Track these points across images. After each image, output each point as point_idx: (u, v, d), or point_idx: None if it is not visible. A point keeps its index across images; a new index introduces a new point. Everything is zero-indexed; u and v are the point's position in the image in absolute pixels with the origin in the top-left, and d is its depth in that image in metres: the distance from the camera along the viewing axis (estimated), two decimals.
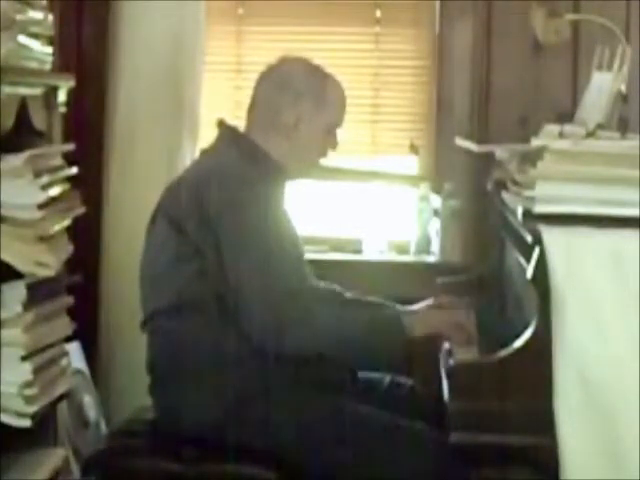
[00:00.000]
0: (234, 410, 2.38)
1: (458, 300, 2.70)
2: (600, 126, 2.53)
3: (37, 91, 2.33)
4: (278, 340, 2.33)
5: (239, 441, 2.38)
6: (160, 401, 2.50)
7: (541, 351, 2.18)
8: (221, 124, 2.62)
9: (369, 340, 2.41)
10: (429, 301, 2.63)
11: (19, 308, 2.16)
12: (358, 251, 3.76)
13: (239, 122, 2.62)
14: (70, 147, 2.41)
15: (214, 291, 2.39)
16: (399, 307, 2.58)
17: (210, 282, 2.39)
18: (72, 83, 2.48)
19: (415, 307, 2.59)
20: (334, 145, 2.62)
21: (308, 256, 3.50)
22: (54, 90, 2.40)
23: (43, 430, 2.34)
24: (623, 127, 2.50)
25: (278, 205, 2.52)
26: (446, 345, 2.47)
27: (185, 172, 2.61)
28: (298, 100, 2.55)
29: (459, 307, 2.65)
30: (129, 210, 3.33)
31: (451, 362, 2.30)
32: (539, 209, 2.32)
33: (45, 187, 2.17)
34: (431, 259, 3.69)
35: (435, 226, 3.68)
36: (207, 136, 2.68)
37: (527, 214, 2.36)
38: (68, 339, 2.43)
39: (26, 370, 2.16)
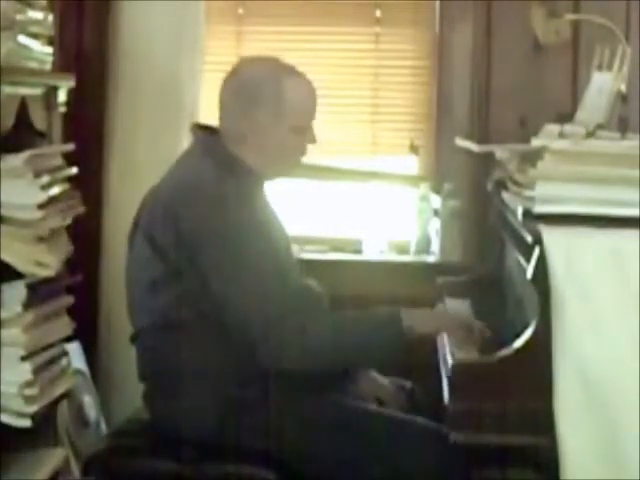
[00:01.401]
0: (230, 414, 2.38)
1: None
2: (600, 126, 2.53)
3: (37, 91, 2.33)
4: (281, 354, 2.32)
5: (238, 443, 2.38)
6: (153, 410, 2.50)
7: (541, 351, 2.18)
8: (195, 129, 2.57)
9: (368, 335, 2.39)
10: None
11: (19, 308, 2.16)
12: (358, 251, 3.76)
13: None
14: (70, 147, 2.41)
15: (196, 311, 2.38)
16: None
17: (192, 302, 2.38)
18: (72, 83, 2.48)
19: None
20: (312, 140, 2.54)
21: (308, 256, 3.55)
22: (54, 90, 2.40)
23: (43, 430, 2.34)
24: (623, 127, 2.50)
25: (257, 215, 2.45)
26: (446, 345, 2.47)
27: (160, 184, 2.52)
28: (252, 109, 2.47)
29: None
30: (129, 210, 3.31)
31: (451, 362, 2.30)
32: (539, 209, 2.32)
33: (45, 187, 2.17)
34: (431, 259, 3.68)
35: (435, 226, 3.67)
36: None
37: (527, 214, 2.36)
38: (68, 339, 2.43)
39: (26, 370, 2.16)
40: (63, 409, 2.58)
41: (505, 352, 2.22)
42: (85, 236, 2.86)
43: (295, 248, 2.75)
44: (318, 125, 2.57)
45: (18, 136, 2.23)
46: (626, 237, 2.23)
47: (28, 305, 2.18)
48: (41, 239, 2.18)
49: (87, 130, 3.49)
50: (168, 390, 2.43)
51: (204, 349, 2.39)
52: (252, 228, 2.39)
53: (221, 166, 2.46)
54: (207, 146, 2.51)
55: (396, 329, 2.37)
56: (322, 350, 2.36)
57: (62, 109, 2.47)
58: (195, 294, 2.37)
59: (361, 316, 2.46)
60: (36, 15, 2.34)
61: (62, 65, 3.12)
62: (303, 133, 2.52)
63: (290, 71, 2.53)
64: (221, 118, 2.53)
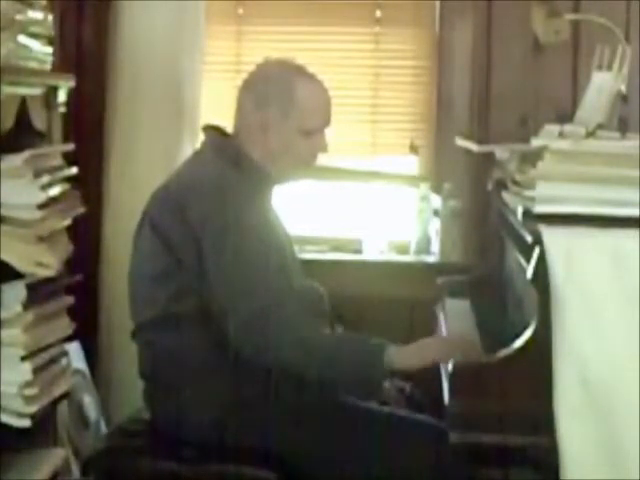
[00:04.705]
0: (230, 414, 2.38)
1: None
2: (600, 126, 2.53)
3: (37, 91, 2.33)
4: (259, 351, 2.32)
5: (238, 443, 2.38)
6: (153, 408, 2.51)
7: (541, 351, 2.18)
8: (207, 129, 2.59)
9: (344, 362, 2.33)
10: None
11: (19, 308, 2.16)
12: (358, 251, 3.76)
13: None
14: (70, 147, 2.41)
15: (200, 303, 2.38)
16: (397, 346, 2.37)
17: (196, 294, 2.38)
18: (72, 83, 2.48)
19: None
20: (323, 147, 2.54)
21: (308, 256, 3.54)
22: (54, 90, 2.40)
23: (43, 430, 2.34)
24: (623, 127, 2.50)
25: (262, 213, 2.48)
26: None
27: (170, 179, 2.54)
28: (262, 106, 2.49)
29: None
30: (129, 210, 3.32)
31: (451, 362, 2.29)
32: (539, 209, 2.32)
33: (45, 187, 2.17)
34: (431, 259, 3.69)
35: (435, 226, 3.68)
36: None
37: (527, 214, 2.36)
38: (68, 339, 2.43)
39: (26, 370, 2.16)
40: (63, 409, 2.57)
41: (505, 352, 2.22)
42: (85, 236, 2.86)
43: (296, 249, 2.75)
44: None
45: (18, 136, 2.23)
46: (626, 237, 2.23)
47: (28, 305, 2.17)
48: (41, 239, 2.17)
49: (87, 130, 3.50)
50: (168, 387, 2.43)
51: (204, 345, 2.39)
52: (257, 222, 2.40)
53: (230, 163, 2.48)
54: (218, 145, 2.54)
55: (373, 364, 2.31)
56: (294, 351, 2.32)
57: (62, 109, 2.47)
58: (197, 287, 2.37)
59: (347, 339, 2.43)
60: (36, 15, 2.33)
61: (62, 65, 3.12)
62: (312, 137, 2.52)
63: (304, 74, 2.54)
64: (235, 116, 2.56)
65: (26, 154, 2.17)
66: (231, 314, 2.33)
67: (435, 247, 3.68)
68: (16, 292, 2.17)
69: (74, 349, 3.15)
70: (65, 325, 2.38)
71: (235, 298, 2.33)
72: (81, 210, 2.40)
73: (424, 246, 3.70)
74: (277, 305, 2.32)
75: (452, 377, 2.24)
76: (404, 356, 2.34)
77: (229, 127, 2.59)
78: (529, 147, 2.51)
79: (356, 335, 2.47)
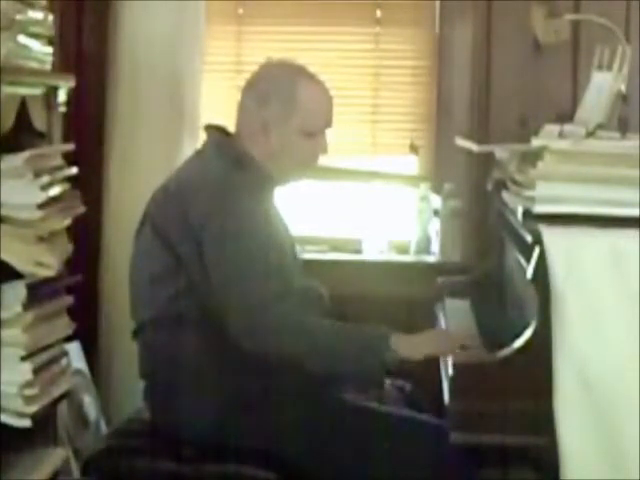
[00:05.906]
0: (230, 414, 2.38)
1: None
2: (600, 126, 2.53)
3: (37, 91, 2.33)
4: (260, 344, 2.31)
5: (238, 443, 2.38)
6: (153, 408, 2.51)
7: (541, 351, 2.19)
8: (208, 129, 2.59)
9: (347, 350, 2.32)
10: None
11: (19, 308, 2.16)
12: (358, 251, 3.76)
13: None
14: (70, 147, 2.41)
15: (200, 303, 2.38)
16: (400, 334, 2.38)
17: (196, 294, 2.38)
18: (72, 83, 2.48)
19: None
20: (323, 149, 2.55)
21: (308, 256, 3.54)
22: (54, 90, 2.40)
23: (43, 430, 2.34)
24: (623, 127, 2.50)
25: (263, 212, 2.47)
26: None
27: (171, 179, 2.55)
28: (263, 106, 2.49)
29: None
30: (129, 210, 3.32)
31: (452, 362, 2.30)
32: (539, 209, 2.32)
33: (45, 187, 2.17)
34: (431, 259, 3.69)
35: (435, 226, 3.68)
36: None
37: (527, 214, 2.37)
38: (68, 339, 2.43)
39: (26, 370, 2.16)
40: (63, 409, 2.58)
41: (505, 352, 2.22)
42: (85, 236, 2.86)
43: (298, 249, 2.75)
44: None
45: (18, 136, 2.23)
46: (626, 237, 2.23)
47: (28, 305, 2.17)
48: (41, 239, 2.17)
49: (87, 130, 3.50)
50: (168, 387, 2.43)
51: (204, 345, 2.39)
52: (257, 222, 2.40)
53: (231, 162, 2.48)
54: (219, 144, 2.54)
55: (379, 350, 2.31)
56: (298, 344, 2.31)
57: (62, 109, 2.47)
58: (197, 287, 2.38)
59: (350, 327, 2.40)
60: (36, 15, 2.33)
61: (62, 65, 3.12)
62: (313, 138, 2.52)
63: (306, 75, 2.55)
64: (237, 115, 2.57)
65: (26, 154, 2.17)
66: (230, 312, 2.33)
67: (435, 247, 3.68)
68: (16, 292, 2.18)
69: (74, 349, 3.15)
70: (65, 325, 2.38)
71: (234, 296, 2.33)
72: (81, 210, 2.40)
73: (424, 246, 3.71)
74: (276, 302, 2.31)
75: (452, 377, 2.24)
76: (407, 345, 2.33)
77: (230, 127, 2.59)
78: (529, 147, 2.51)
79: (358, 324, 2.44)
